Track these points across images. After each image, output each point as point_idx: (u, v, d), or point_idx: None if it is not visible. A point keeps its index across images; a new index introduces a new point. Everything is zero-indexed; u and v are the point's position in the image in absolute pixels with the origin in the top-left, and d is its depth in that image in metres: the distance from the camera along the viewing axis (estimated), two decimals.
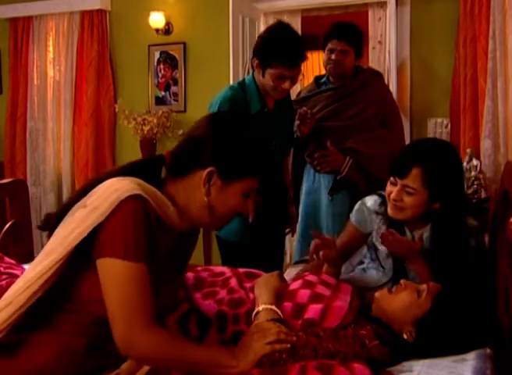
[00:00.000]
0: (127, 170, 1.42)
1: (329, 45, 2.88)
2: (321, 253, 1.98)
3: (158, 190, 1.39)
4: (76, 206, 1.35)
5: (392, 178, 1.92)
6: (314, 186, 2.99)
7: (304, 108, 2.85)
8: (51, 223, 1.39)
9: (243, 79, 2.72)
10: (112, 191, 1.30)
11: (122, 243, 1.27)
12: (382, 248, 2.06)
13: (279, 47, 2.38)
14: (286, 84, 2.45)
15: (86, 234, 1.28)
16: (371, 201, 2.11)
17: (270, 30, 2.52)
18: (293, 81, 2.49)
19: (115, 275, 1.28)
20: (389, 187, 1.94)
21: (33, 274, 1.30)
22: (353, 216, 2.16)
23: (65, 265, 1.31)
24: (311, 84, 3.15)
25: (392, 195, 1.90)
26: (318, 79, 3.11)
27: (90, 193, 1.35)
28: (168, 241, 1.40)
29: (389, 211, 1.95)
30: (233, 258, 2.65)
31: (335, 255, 1.99)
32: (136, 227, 1.28)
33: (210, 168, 1.37)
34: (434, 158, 1.87)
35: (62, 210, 1.38)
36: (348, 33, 2.87)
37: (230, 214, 1.46)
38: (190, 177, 1.40)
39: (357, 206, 2.16)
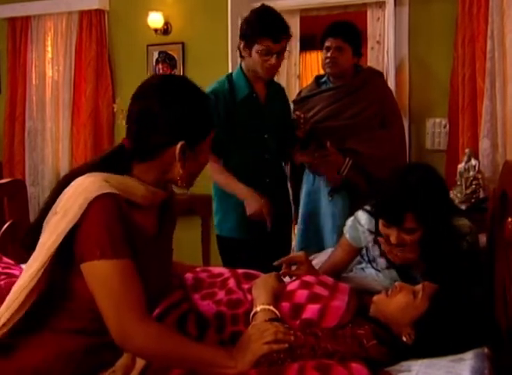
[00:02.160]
0: (93, 166, 1.41)
1: (326, 44, 2.90)
2: (293, 267, 2.00)
3: (127, 175, 1.39)
4: (50, 213, 1.34)
5: (385, 224, 1.86)
6: (313, 187, 2.98)
7: (297, 112, 2.85)
8: (31, 239, 1.39)
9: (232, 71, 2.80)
10: (80, 192, 1.29)
11: (97, 243, 1.27)
12: (380, 261, 2.06)
13: (262, 22, 2.54)
14: (273, 60, 2.55)
15: (60, 241, 1.28)
16: (363, 219, 2.06)
17: (252, 11, 2.67)
18: (280, 57, 2.59)
19: (97, 276, 1.28)
20: (383, 230, 1.88)
21: (19, 285, 1.32)
22: (347, 232, 2.14)
23: (54, 269, 1.31)
24: (311, 84, 3.15)
25: (394, 241, 1.84)
26: (318, 78, 3.11)
27: (59, 197, 1.34)
28: (146, 222, 1.41)
29: (394, 259, 1.92)
30: (234, 257, 2.66)
31: (307, 269, 1.98)
32: (110, 225, 1.28)
33: (180, 143, 1.37)
34: (422, 201, 1.80)
35: (37, 222, 1.38)
36: (343, 30, 2.89)
37: (202, 169, 1.50)
38: (160, 158, 1.40)
39: (350, 222, 2.13)
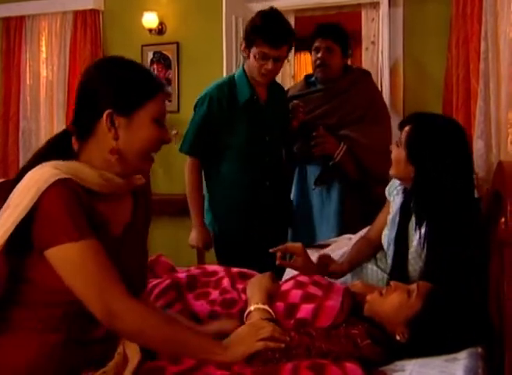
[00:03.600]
0: (40, 156, 1.39)
1: (315, 44, 2.90)
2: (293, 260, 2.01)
3: (76, 161, 1.36)
4: (2, 209, 1.31)
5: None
6: (305, 186, 2.99)
7: (295, 101, 2.85)
8: None
9: (234, 73, 2.77)
10: (31, 185, 1.27)
11: (60, 228, 1.24)
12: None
13: (261, 25, 2.48)
14: (269, 65, 2.50)
15: (6, 237, 1.25)
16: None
17: (258, 12, 2.61)
18: (277, 64, 2.54)
19: (67, 260, 1.26)
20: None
21: None
22: (386, 190, 2.19)
23: (6, 265, 1.28)
24: (300, 83, 3.15)
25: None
26: (307, 78, 3.11)
27: (12, 192, 1.31)
28: (114, 210, 1.38)
29: None
30: (230, 256, 2.66)
31: (304, 261, 1.99)
32: (69, 208, 1.25)
33: (106, 111, 1.33)
34: (429, 123, 1.94)
35: None
36: (333, 31, 2.90)
37: (148, 146, 1.40)
38: (95, 133, 1.36)
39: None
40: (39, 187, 1.25)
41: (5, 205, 1.31)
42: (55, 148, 1.41)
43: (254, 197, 2.67)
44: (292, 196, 3.02)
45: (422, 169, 1.88)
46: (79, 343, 1.34)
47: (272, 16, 2.52)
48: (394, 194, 2.12)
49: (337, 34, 2.89)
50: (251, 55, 2.53)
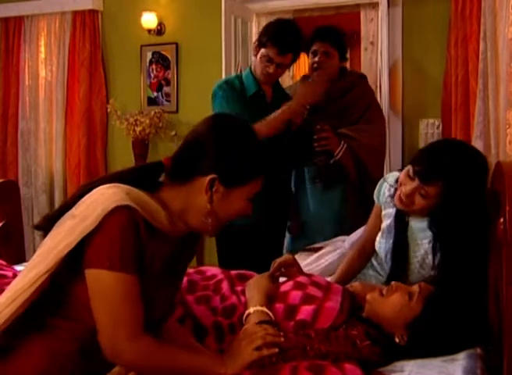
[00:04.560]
0: (122, 176, 1.41)
1: (313, 47, 2.94)
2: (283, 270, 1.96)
3: (152, 194, 1.37)
4: (66, 216, 1.33)
5: (411, 172, 1.84)
6: (304, 188, 3.00)
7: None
8: (46, 225, 1.38)
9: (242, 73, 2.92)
10: (101, 201, 1.28)
11: (107, 254, 1.26)
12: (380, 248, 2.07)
13: (275, 29, 2.65)
14: (271, 68, 2.66)
15: (73, 246, 1.27)
16: (391, 176, 2.09)
17: (277, 18, 2.83)
18: (279, 69, 2.69)
19: (100, 285, 1.27)
20: (403, 178, 1.88)
21: (19, 287, 1.30)
22: (375, 194, 2.16)
23: (55, 275, 1.30)
24: (296, 84, 3.16)
25: (405, 191, 1.85)
26: (304, 79, 3.12)
27: (79, 202, 1.33)
28: (163, 248, 1.38)
29: (396, 202, 1.92)
30: (232, 246, 2.68)
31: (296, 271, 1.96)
32: (123, 238, 1.26)
33: (211, 175, 1.34)
34: (459, 181, 1.79)
35: (56, 214, 1.37)
36: (331, 34, 2.94)
37: (232, 218, 1.43)
38: (190, 184, 1.37)
39: (379, 181, 2.16)
40: (106, 206, 1.26)
41: (70, 212, 1.32)
42: (139, 174, 1.43)
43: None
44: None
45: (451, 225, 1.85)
46: (90, 357, 1.35)
47: (287, 24, 2.72)
48: (383, 202, 2.10)
49: (335, 38, 2.93)
50: (258, 55, 2.69)
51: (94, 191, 1.33)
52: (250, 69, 2.80)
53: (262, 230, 2.72)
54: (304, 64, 6.83)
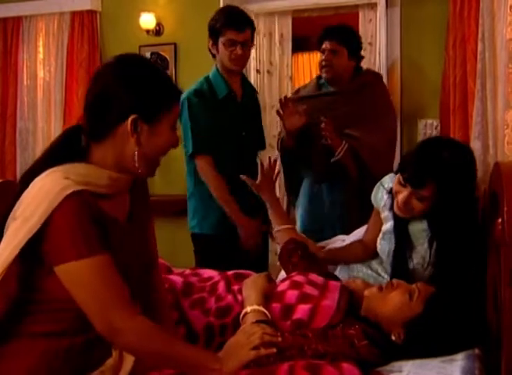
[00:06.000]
0: (52, 154, 1.38)
1: (322, 46, 2.94)
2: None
3: (86, 161, 1.35)
4: (9, 219, 1.29)
5: (401, 180, 1.87)
6: (314, 191, 2.99)
7: (323, 118, 2.81)
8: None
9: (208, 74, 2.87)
10: (42, 197, 1.24)
11: (70, 245, 1.23)
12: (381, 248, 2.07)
13: (225, 14, 2.70)
14: (239, 50, 2.65)
15: (17, 252, 1.23)
16: (387, 178, 2.11)
17: (217, 10, 2.84)
18: (245, 49, 2.68)
19: (75, 278, 1.26)
20: (396, 187, 1.91)
21: None
22: (372, 198, 2.17)
23: (21, 274, 1.28)
24: (311, 84, 3.15)
25: (401, 199, 1.87)
26: (318, 79, 3.11)
27: (19, 201, 1.28)
28: (116, 211, 1.38)
29: (396, 210, 1.93)
30: (213, 255, 2.69)
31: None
32: (81, 223, 1.24)
33: (131, 116, 1.32)
34: (450, 176, 1.81)
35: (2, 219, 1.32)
36: (338, 32, 2.92)
37: (163, 153, 1.41)
38: (112, 135, 1.34)
39: (376, 184, 2.17)
40: (50, 200, 1.23)
41: (11, 214, 1.28)
42: (65, 147, 1.39)
43: (232, 192, 2.69)
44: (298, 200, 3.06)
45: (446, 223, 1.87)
46: (79, 345, 1.34)
47: (230, 7, 2.83)
48: (382, 205, 2.10)
49: (343, 36, 2.91)
50: (220, 47, 2.67)
51: (32, 185, 1.29)
52: (217, 68, 2.77)
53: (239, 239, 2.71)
54: (302, 64, 6.85)
